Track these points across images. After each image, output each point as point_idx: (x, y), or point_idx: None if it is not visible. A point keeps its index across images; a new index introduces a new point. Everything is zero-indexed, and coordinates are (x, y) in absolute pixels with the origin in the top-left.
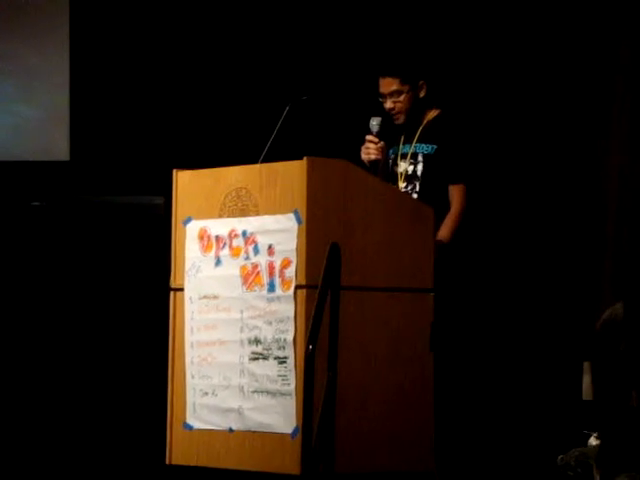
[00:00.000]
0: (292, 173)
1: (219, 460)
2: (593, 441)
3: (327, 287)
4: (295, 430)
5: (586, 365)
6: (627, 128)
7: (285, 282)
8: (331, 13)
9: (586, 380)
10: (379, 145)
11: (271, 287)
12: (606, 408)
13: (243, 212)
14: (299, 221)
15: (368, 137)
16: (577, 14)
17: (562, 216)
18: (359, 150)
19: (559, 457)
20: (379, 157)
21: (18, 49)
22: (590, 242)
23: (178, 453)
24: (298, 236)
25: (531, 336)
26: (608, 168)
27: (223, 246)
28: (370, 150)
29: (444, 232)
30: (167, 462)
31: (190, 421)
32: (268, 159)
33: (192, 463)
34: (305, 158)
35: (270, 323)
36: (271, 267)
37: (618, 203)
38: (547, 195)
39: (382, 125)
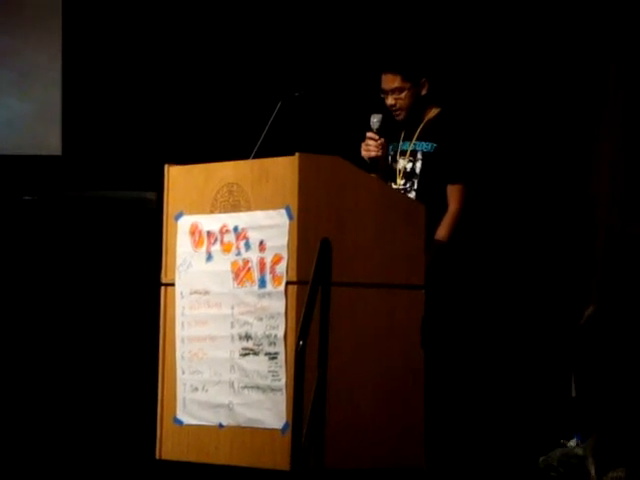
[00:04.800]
0: (284, 169)
1: (209, 455)
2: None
3: (318, 283)
4: (285, 426)
5: None
6: (619, 130)
7: (276, 278)
8: (329, 9)
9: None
10: (379, 142)
11: (262, 283)
12: (594, 403)
13: (235, 208)
14: (290, 217)
15: (368, 134)
16: (573, 16)
17: (555, 216)
18: (354, 146)
19: (541, 458)
20: (379, 154)
21: (11, 44)
22: (582, 242)
23: (168, 448)
24: (289, 232)
25: (521, 334)
26: (599, 170)
27: (214, 241)
28: (370, 147)
29: (442, 232)
30: (157, 457)
31: (180, 416)
32: (260, 155)
33: (182, 458)
34: (297, 154)
35: (261, 319)
36: (262, 263)
37: (609, 205)
38: (541, 196)
39: (382, 122)
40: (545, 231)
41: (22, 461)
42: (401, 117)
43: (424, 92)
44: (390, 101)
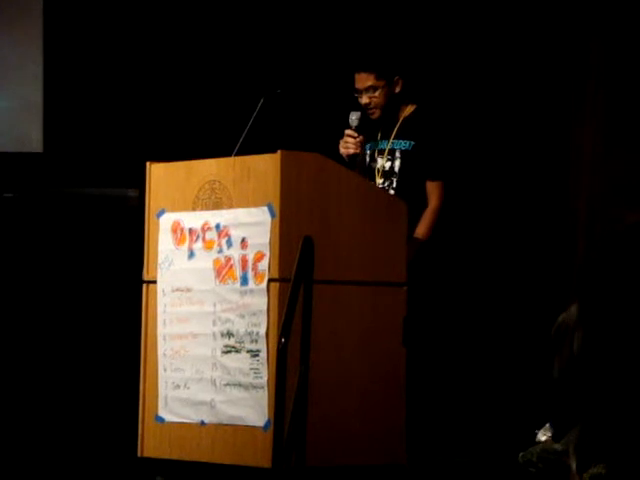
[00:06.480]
0: (266, 166)
1: (191, 453)
2: (542, 436)
3: (300, 280)
4: (267, 423)
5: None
6: (599, 127)
7: (258, 275)
8: (307, 6)
9: None
10: (358, 140)
11: (244, 280)
12: (577, 399)
13: (217, 205)
14: (273, 214)
15: (347, 131)
16: (554, 10)
17: (535, 212)
18: (334, 144)
19: (520, 454)
20: (358, 151)
21: None
22: (562, 238)
23: (150, 446)
24: (271, 229)
25: (503, 330)
26: (580, 165)
27: (196, 239)
28: (349, 144)
29: (422, 229)
30: (139, 455)
31: (162, 414)
32: (242, 152)
33: (164, 456)
34: (279, 151)
35: (243, 316)
36: (244, 260)
37: (589, 202)
38: (522, 192)
39: (361, 120)
40: (526, 227)
41: (2, 459)
42: (376, 116)
43: (398, 90)
44: (364, 100)
